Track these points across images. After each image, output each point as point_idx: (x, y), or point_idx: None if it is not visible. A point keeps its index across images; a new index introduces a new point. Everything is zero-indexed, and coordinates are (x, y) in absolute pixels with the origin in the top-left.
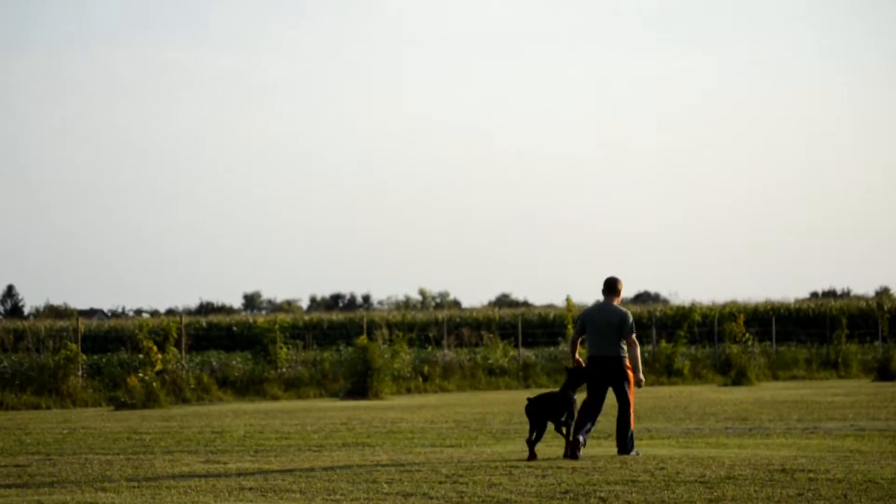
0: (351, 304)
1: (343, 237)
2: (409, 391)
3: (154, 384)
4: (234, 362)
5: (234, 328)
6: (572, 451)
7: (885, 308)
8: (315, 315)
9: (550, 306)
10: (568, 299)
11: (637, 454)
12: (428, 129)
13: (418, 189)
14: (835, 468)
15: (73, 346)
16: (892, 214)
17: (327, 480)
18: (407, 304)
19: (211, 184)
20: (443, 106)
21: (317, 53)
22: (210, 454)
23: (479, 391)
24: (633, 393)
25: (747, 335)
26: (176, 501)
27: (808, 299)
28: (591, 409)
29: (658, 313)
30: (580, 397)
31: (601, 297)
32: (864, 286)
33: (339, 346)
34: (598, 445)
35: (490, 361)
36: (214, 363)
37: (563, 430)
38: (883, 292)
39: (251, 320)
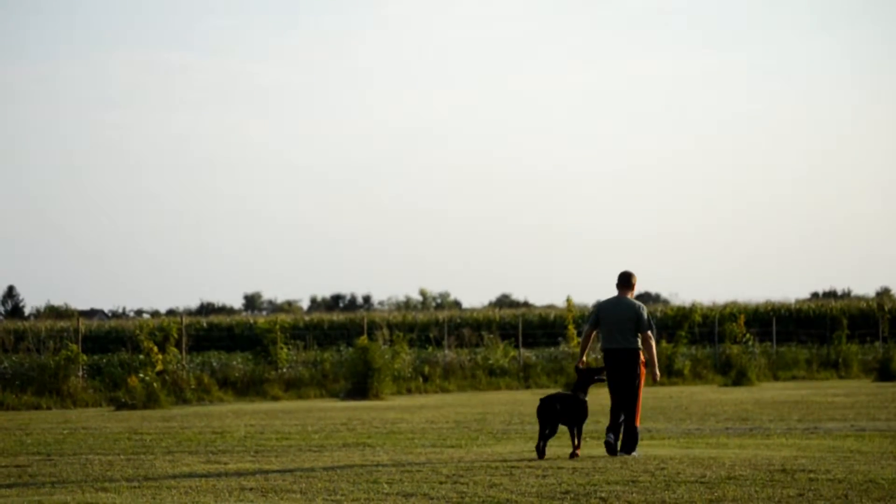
0: (351, 304)
1: (344, 238)
2: (409, 391)
3: (154, 384)
4: (234, 363)
5: (235, 329)
6: (609, 450)
7: (886, 308)
8: (315, 315)
9: (551, 307)
10: (568, 300)
11: (637, 456)
12: (429, 129)
13: (418, 190)
14: (835, 468)
15: (74, 347)
16: (892, 216)
17: (328, 481)
18: (407, 305)
19: (211, 185)
20: (442, 108)
21: (317, 57)
22: (210, 454)
23: (479, 391)
24: (642, 389)
25: (748, 335)
26: (176, 502)
27: (809, 300)
28: (619, 405)
29: (659, 314)
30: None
31: (600, 298)
32: (864, 287)
33: (339, 346)
34: (599, 446)
35: (490, 362)
36: (215, 364)
37: (574, 431)
38: (884, 293)
39: (252, 321)
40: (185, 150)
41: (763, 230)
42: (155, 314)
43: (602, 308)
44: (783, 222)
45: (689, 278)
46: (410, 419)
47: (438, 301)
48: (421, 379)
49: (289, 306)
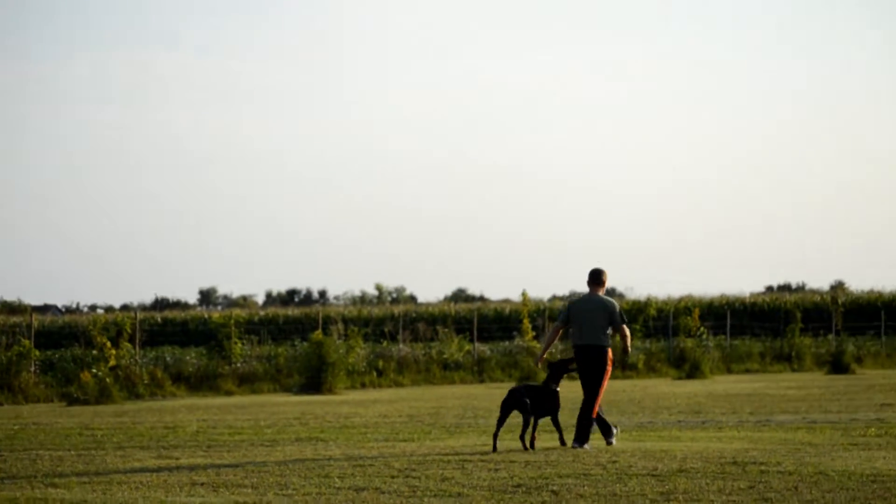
0: (307, 299)
1: (299, 232)
2: (363, 386)
3: (107, 380)
4: (188, 357)
5: (190, 324)
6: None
7: (840, 302)
8: (271, 310)
9: (506, 301)
10: (524, 294)
11: (588, 449)
12: (384, 125)
13: (374, 184)
14: (786, 460)
15: (26, 342)
16: (847, 209)
17: (280, 475)
18: (363, 300)
19: (167, 180)
20: (400, 105)
21: (277, 52)
22: (162, 449)
23: (433, 386)
24: (605, 385)
25: (702, 329)
26: (127, 497)
27: (764, 293)
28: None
29: None
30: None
31: (555, 292)
32: (819, 280)
33: (294, 341)
34: (552, 439)
35: (445, 356)
36: (168, 358)
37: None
38: (837, 286)
39: (206, 315)
40: (141, 146)
41: (719, 223)
42: (109, 309)
43: (574, 306)
44: (739, 216)
45: (644, 272)
46: (364, 413)
47: (394, 296)
48: (375, 373)
49: (244, 301)
